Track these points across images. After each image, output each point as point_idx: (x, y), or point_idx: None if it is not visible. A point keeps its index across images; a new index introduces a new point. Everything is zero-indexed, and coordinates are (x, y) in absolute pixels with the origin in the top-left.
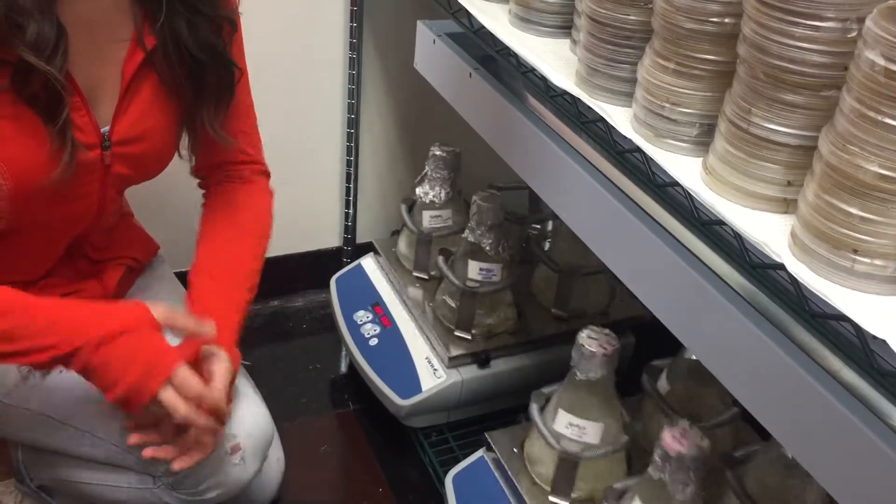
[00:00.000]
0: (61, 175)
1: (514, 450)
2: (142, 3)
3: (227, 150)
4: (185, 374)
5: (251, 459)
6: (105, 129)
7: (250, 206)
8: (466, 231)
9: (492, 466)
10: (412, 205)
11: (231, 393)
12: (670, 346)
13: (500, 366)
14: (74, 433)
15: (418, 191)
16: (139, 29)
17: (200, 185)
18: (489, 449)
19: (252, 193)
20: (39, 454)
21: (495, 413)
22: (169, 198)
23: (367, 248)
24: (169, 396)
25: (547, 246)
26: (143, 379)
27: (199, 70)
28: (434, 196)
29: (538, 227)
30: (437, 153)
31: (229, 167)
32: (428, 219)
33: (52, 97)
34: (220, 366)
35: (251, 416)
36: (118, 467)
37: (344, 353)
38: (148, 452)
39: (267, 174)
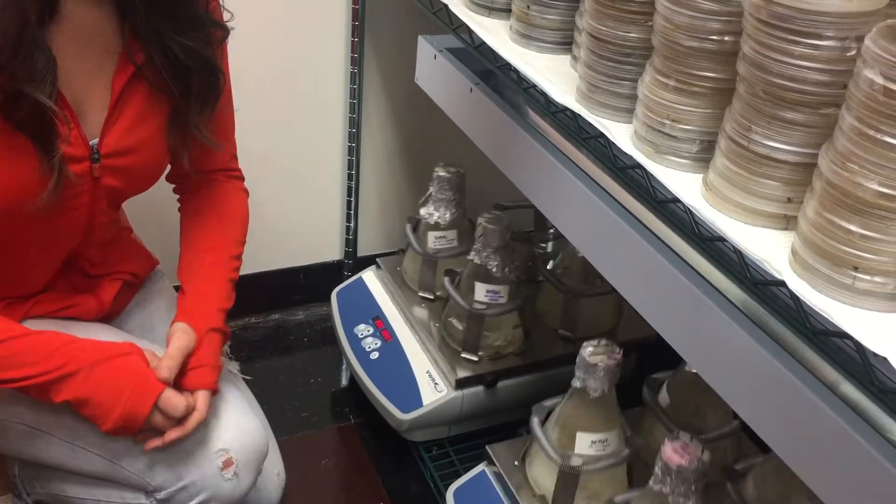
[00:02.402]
0: (48, 198)
1: (515, 463)
2: (128, 17)
3: (216, 159)
4: (168, 395)
5: (244, 473)
6: (94, 141)
7: (232, 200)
8: (472, 253)
9: (493, 480)
10: (417, 224)
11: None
12: (670, 360)
13: (503, 384)
14: (68, 447)
15: (423, 212)
16: (126, 41)
17: (177, 190)
18: (490, 462)
19: (230, 191)
20: (36, 469)
21: (497, 427)
22: (168, 212)
23: (369, 262)
24: (157, 421)
25: (552, 265)
26: (133, 404)
27: (185, 74)
28: (439, 217)
29: (544, 245)
30: (442, 174)
31: (213, 174)
32: (433, 239)
33: (40, 122)
34: (176, 338)
35: (244, 430)
36: (111, 482)
37: (345, 366)
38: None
39: (242, 177)
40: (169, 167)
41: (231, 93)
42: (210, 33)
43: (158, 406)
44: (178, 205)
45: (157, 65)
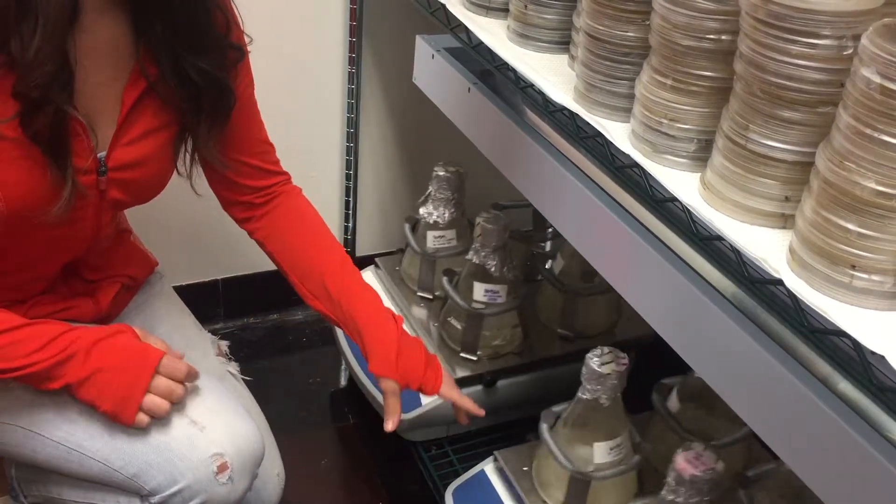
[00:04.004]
0: (61, 209)
1: (524, 468)
2: (144, 35)
3: (267, 174)
4: (168, 360)
5: (239, 478)
6: (102, 154)
7: (308, 209)
8: (471, 252)
9: (492, 480)
10: (416, 224)
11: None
12: (672, 361)
13: (504, 383)
14: (64, 451)
15: (422, 211)
16: (140, 58)
17: (245, 223)
18: (499, 467)
19: (295, 200)
20: (33, 471)
21: (496, 427)
22: (169, 212)
23: (367, 262)
24: (162, 385)
25: (551, 265)
26: (134, 373)
27: (196, 93)
28: (438, 217)
29: (543, 245)
30: (441, 174)
31: (269, 189)
32: (432, 239)
33: (57, 133)
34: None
35: (239, 434)
36: (105, 486)
37: (344, 366)
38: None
39: (289, 177)
40: (223, 195)
41: (255, 103)
42: (226, 56)
43: (160, 371)
44: (252, 234)
45: (169, 82)
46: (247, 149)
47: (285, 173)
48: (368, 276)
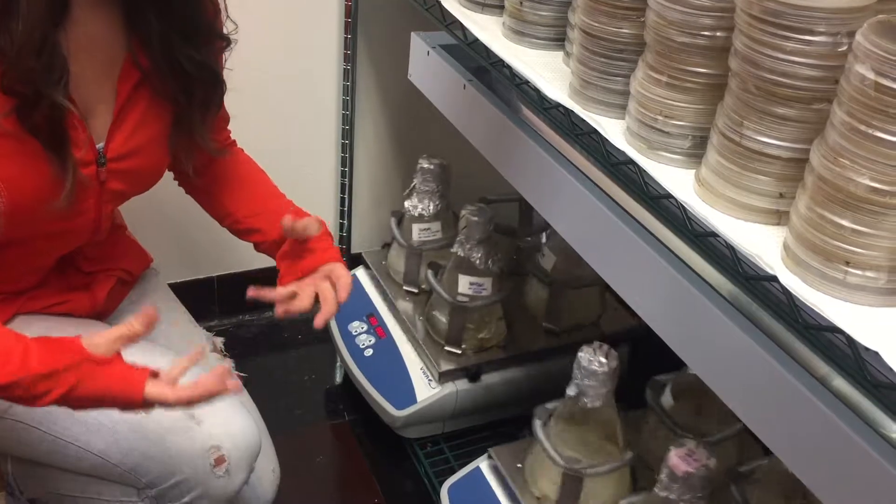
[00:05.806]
0: (64, 202)
1: (518, 465)
2: (136, 27)
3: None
4: (154, 390)
5: (236, 471)
6: (100, 145)
7: (246, 162)
8: (455, 245)
9: (488, 476)
10: (401, 218)
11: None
12: (664, 355)
13: (494, 378)
14: (60, 444)
15: (407, 204)
16: (133, 48)
17: (187, 178)
18: (493, 464)
19: (241, 157)
20: (29, 467)
21: (491, 423)
22: (164, 210)
23: (363, 259)
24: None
25: (536, 258)
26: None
27: (189, 83)
28: (423, 209)
29: (528, 239)
30: (425, 166)
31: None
32: (417, 232)
33: (55, 126)
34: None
35: (235, 427)
36: (103, 480)
37: (339, 363)
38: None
39: (235, 143)
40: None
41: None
42: (215, 45)
43: (148, 399)
44: (184, 189)
45: (162, 72)
46: (215, 128)
47: (234, 141)
48: (363, 273)
